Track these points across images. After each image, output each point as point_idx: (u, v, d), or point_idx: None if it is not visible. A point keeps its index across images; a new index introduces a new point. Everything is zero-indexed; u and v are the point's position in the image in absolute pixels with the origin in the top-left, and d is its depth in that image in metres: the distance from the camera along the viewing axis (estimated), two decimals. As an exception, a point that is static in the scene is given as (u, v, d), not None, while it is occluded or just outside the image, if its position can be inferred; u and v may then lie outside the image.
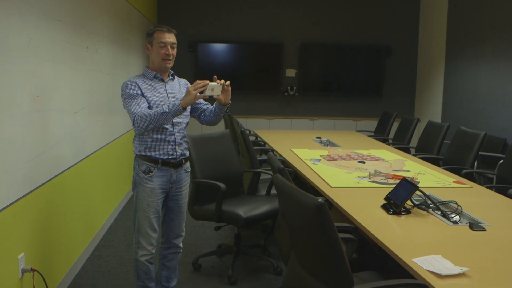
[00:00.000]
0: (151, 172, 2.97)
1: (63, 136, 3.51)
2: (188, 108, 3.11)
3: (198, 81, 2.85)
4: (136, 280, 3.11)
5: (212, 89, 2.95)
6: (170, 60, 3.00)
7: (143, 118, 2.83)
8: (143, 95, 2.93)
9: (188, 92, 2.84)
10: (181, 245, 3.26)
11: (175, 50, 3.03)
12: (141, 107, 2.87)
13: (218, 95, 3.00)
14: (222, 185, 3.61)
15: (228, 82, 3.02)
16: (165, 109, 2.83)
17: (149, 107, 2.93)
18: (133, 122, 2.88)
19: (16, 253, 2.77)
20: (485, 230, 2.51)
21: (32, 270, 2.88)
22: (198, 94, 2.83)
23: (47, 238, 3.24)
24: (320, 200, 1.78)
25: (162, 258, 3.25)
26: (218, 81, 2.98)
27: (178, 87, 3.13)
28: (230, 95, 3.06)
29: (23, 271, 2.82)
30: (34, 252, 3.01)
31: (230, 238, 4.56)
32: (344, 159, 4.42)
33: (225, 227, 4.36)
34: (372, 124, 8.41)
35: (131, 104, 2.89)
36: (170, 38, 2.98)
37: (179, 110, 2.84)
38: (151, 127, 2.86)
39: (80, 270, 3.87)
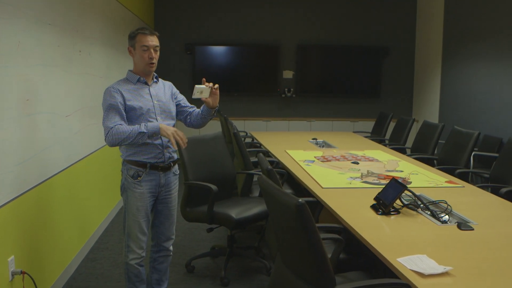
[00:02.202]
0: (140, 176, 2.96)
1: (55, 139, 3.52)
2: (174, 110, 3.12)
3: (183, 138, 2.86)
4: (127, 283, 3.11)
5: (201, 92, 2.96)
6: (153, 63, 2.97)
7: (118, 134, 2.79)
8: (126, 102, 2.89)
9: (172, 132, 2.83)
10: (171, 248, 3.25)
11: (158, 53, 3.00)
12: (116, 121, 2.83)
13: (206, 98, 3.00)
14: (213, 187, 3.61)
15: (216, 85, 3.02)
16: (143, 129, 2.80)
17: (134, 112, 2.91)
18: (106, 135, 2.83)
19: (6, 255, 2.78)
20: (473, 229, 2.51)
21: (22, 272, 2.88)
22: (174, 140, 2.83)
23: (38, 241, 3.25)
24: (300, 200, 1.78)
25: (152, 261, 3.25)
26: (206, 84, 2.99)
27: (163, 89, 3.11)
28: (218, 98, 3.06)
29: (13, 273, 2.83)
30: (25, 255, 3.02)
31: (224, 239, 4.56)
32: (338, 160, 4.42)
33: (219, 229, 4.36)
34: (369, 125, 8.39)
35: (107, 115, 2.85)
36: (153, 41, 2.95)
37: (155, 132, 2.84)
38: (124, 144, 2.84)
39: (74, 272, 3.87)
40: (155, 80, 3.09)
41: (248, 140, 6.67)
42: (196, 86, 2.96)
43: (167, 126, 2.87)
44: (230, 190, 4.15)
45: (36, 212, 3.22)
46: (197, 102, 2.93)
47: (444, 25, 7.77)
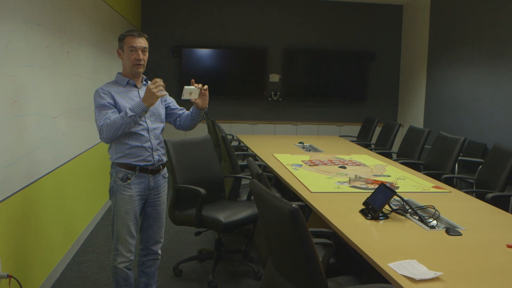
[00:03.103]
0: (129, 179, 2.94)
1: (42, 141, 3.49)
2: (163, 113, 3.11)
3: (157, 80, 2.82)
4: (115, 287, 3.09)
5: (190, 93, 2.96)
6: (141, 64, 2.96)
7: (109, 127, 2.79)
8: (116, 104, 2.89)
9: (148, 90, 2.79)
10: (159, 251, 3.24)
11: (147, 54, 3.00)
12: (108, 118, 2.82)
13: (195, 99, 3.00)
14: (202, 190, 3.60)
15: (206, 86, 3.03)
16: (129, 112, 2.78)
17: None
18: (100, 133, 2.83)
19: (-8, 259, 2.75)
20: (461, 234, 2.53)
21: (9, 276, 2.84)
22: (159, 92, 2.80)
23: (24, 244, 3.21)
24: (294, 205, 1.79)
25: (140, 265, 3.23)
26: (196, 85, 2.99)
27: None
28: (207, 99, 3.06)
29: (0, 277, 2.79)
30: (11, 258, 2.98)
31: (211, 243, 4.56)
32: (325, 164, 4.44)
33: (207, 232, 4.35)
34: (355, 129, 8.45)
35: (99, 115, 2.85)
36: (141, 42, 2.95)
37: (143, 110, 2.81)
38: (119, 133, 2.82)
39: (60, 276, 3.84)
40: (144, 83, 3.08)
41: (234, 143, 6.67)
42: (186, 87, 2.96)
43: (147, 92, 2.80)
44: (218, 193, 4.14)
45: (23, 215, 3.18)
46: (186, 105, 2.92)
47: (430, 31, 7.86)
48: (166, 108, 3.17)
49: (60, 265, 3.91)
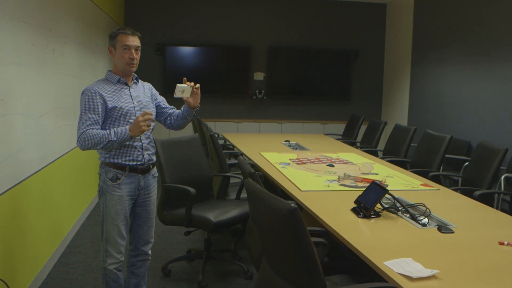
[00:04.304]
0: (119, 179, 2.89)
1: (28, 141, 3.43)
2: (154, 112, 3.07)
3: (147, 112, 2.81)
4: (105, 288, 3.05)
5: (182, 91, 2.93)
6: (134, 64, 2.92)
7: (87, 140, 2.76)
8: (106, 104, 2.84)
9: (137, 123, 2.77)
10: (150, 252, 3.20)
11: (139, 53, 2.96)
12: (88, 125, 2.78)
13: (187, 98, 2.98)
14: (192, 190, 3.57)
15: (198, 85, 3.00)
16: (113, 137, 2.76)
17: (114, 113, 2.86)
18: (77, 138, 2.79)
19: (-21, 261, 2.69)
20: (453, 232, 2.55)
21: (-4, 278, 2.80)
22: (146, 127, 2.79)
23: (11, 245, 3.15)
24: (293, 205, 1.78)
25: (130, 266, 3.19)
26: (188, 83, 2.96)
27: (143, 91, 3.06)
28: (199, 98, 3.04)
29: (-13, 280, 2.74)
30: (-2, 260, 2.93)
31: (199, 242, 4.53)
32: (313, 162, 4.44)
33: (195, 232, 4.32)
34: (339, 127, 8.49)
35: (83, 117, 2.80)
36: (134, 41, 2.91)
37: (126, 139, 2.80)
38: (93, 148, 2.81)
39: (47, 277, 3.78)
40: (135, 81, 3.04)
41: (220, 141, 6.63)
42: (178, 85, 2.93)
43: (135, 123, 2.78)
44: (207, 192, 4.12)
45: (9, 216, 3.12)
46: (177, 104, 2.90)
47: (413, 30, 7.92)
48: (156, 107, 3.14)
49: (47, 267, 3.85)
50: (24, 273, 3.37)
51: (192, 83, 2.98)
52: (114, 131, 2.77)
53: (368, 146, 6.35)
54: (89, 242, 4.56)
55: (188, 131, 6.05)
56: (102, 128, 2.84)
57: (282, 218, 1.83)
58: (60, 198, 4.30)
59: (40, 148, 3.72)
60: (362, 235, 2.55)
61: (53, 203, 4.08)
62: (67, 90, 4.52)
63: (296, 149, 5.46)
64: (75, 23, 4.83)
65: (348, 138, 7.21)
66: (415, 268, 2.03)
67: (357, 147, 6.13)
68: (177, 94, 2.92)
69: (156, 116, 3.14)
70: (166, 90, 7.54)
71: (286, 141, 5.88)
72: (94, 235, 4.76)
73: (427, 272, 1.98)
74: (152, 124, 3.03)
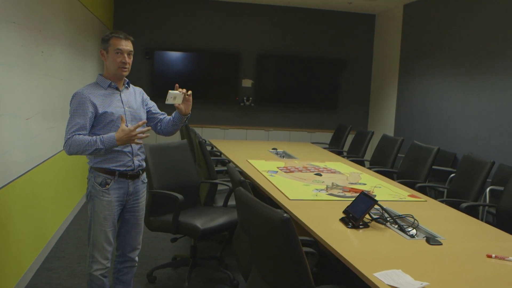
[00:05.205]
0: (108, 184, 2.86)
1: (14, 143, 3.38)
2: (145, 117, 3.05)
3: (142, 130, 2.80)
4: (90, 294, 3.00)
5: (174, 98, 2.92)
6: (126, 68, 2.90)
7: (74, 146, 2.73)
8: (97, 110, 2.81)
9: (128, 132, 2.75)
10: (136, 258, 3.17)
11: (132, 58, 2.93)
12: (76, 130, 2.75)
13: (179, 104, 2.96)
14: (179, 196, 3.55)
15: (189, 92, 2.99)
16: (99, 145, 2.73)
17: (104, 117, 2.83)
18: (64, 143, 2.76)
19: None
20: (441, 244, 2.56)
21: (-21, 283, 2.75)
22: (138, 140, 2.79)
23: (-5, 249, 3.10)
24: (285, 215, 1.77)
25: (116, 272, 3.14)
26: (180, 89, 2.95)
27: (134, 95, 3.04)
28: (191, 105, 3.03)
29: (-30, 284, 2.69)
30: (-18, 264, 2.88)
31: (185, 249, 4.50)
32: (300, 171, 4.45)
33: (181, 238, 4.29)
34: (326, 136, 8.52)
35: (70, 122, 2.77)
36: (127, 45, 2.89)
37: (113, 146, 2.78)
38: (80, 154, 2.79)
39: (29, 282, 3.72)
40: (126, 85, 3.01)
41: (207, 148, 6.61)
42: (170, 91, 2.92)
43: (122, 130, 2.76)
44: (194, 199, 4.10)
45: (-6, 219, 3.08)
46: (168, 110, 2.88)
47: (402, 41, 7.99)
48: (147, 112, 3.11)
49: (30, 271, 3.79)
50: (6, 278, 3.31)
51: (184, 90, 2.96)
52: (100, 138, 2.74)
53: (355, 156, 6.37)
54: (73, 247, 4.51)
55: (175, 137, 6.02)
56: (92, 134, 2.81)
57: (275, 228, 1.82)
58: (45, 201, 4.24)
59: (27, 150, 3.67)
60: (351, 246, 2.55)
61: (38, 206, 4.03)
62: (55, 93, 4.48)
63: (283, 157, 5.46)
64: (65, 25, 4.79)
65: (335, 147, 7.23)
66: (405, 280, 2.03)
67: (344, 157, 6.15)
68: (169, 100, 2.91)
69: (147, 122, 3.11)
70: (155, 94, 7.51)
71: (273, 148, 5.88)
72: (79, 239, 4.70)
73: (416, 284, 1.99)
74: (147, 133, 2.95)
